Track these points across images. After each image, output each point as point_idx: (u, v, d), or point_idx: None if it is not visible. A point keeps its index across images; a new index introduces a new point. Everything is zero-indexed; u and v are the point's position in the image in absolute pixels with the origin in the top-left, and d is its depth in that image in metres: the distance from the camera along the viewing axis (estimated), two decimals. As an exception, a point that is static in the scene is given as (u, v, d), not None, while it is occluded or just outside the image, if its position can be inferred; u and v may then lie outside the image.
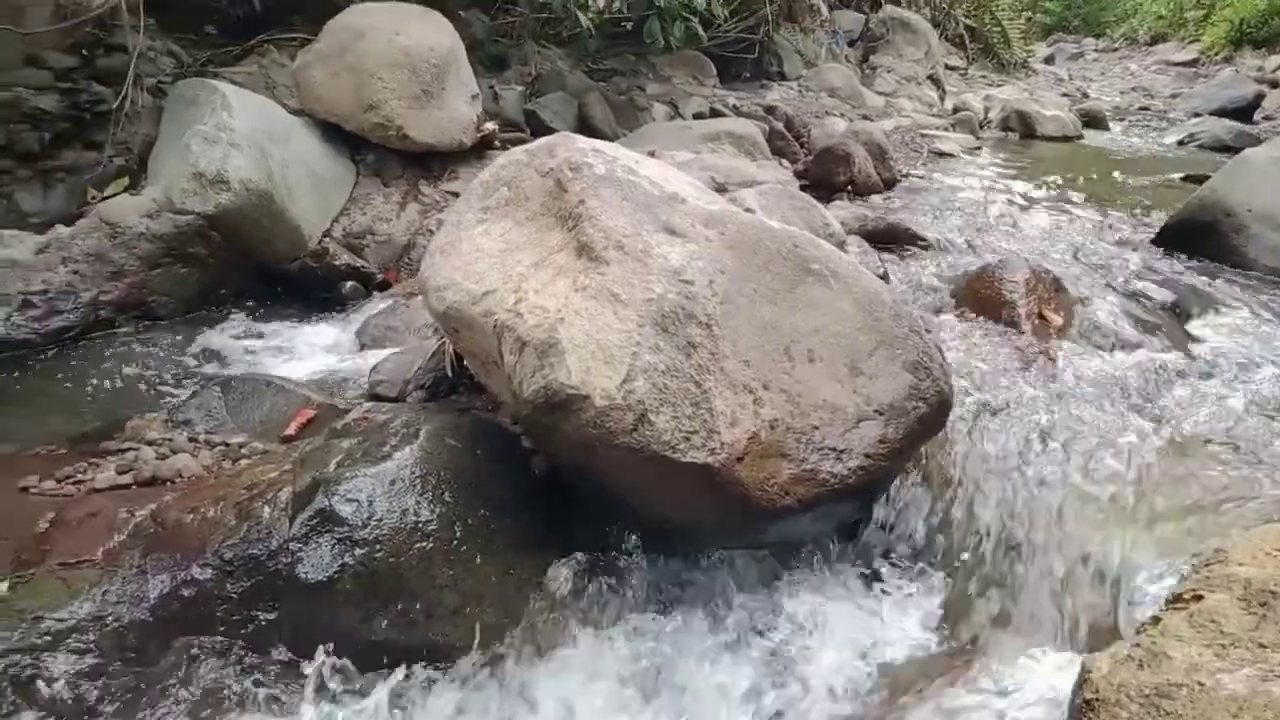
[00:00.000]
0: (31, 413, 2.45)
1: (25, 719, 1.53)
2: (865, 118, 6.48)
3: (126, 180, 3.80)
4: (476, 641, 1.81)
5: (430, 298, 2.15)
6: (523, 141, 4.46)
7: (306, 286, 3.42)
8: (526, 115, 4.96)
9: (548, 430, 1.85)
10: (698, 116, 5.63)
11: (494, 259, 2.11)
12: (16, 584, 1.72)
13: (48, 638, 1.65)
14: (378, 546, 1.78)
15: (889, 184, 4.91)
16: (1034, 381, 2.62)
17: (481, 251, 2.15)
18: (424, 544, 1.83)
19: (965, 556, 2.09)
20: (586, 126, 4.94)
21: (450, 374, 2.57)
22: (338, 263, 3.48)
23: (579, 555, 1.99)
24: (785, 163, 4.98)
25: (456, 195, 4.02)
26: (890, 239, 3.73)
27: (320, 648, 1.72)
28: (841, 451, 1.88)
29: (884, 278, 3.16)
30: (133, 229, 3.02)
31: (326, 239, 3.57)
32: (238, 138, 3.22)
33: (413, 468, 1.91)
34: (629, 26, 5.74)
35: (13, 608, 1.68)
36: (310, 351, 2.99)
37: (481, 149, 4.21)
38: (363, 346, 3.00)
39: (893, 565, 2.13)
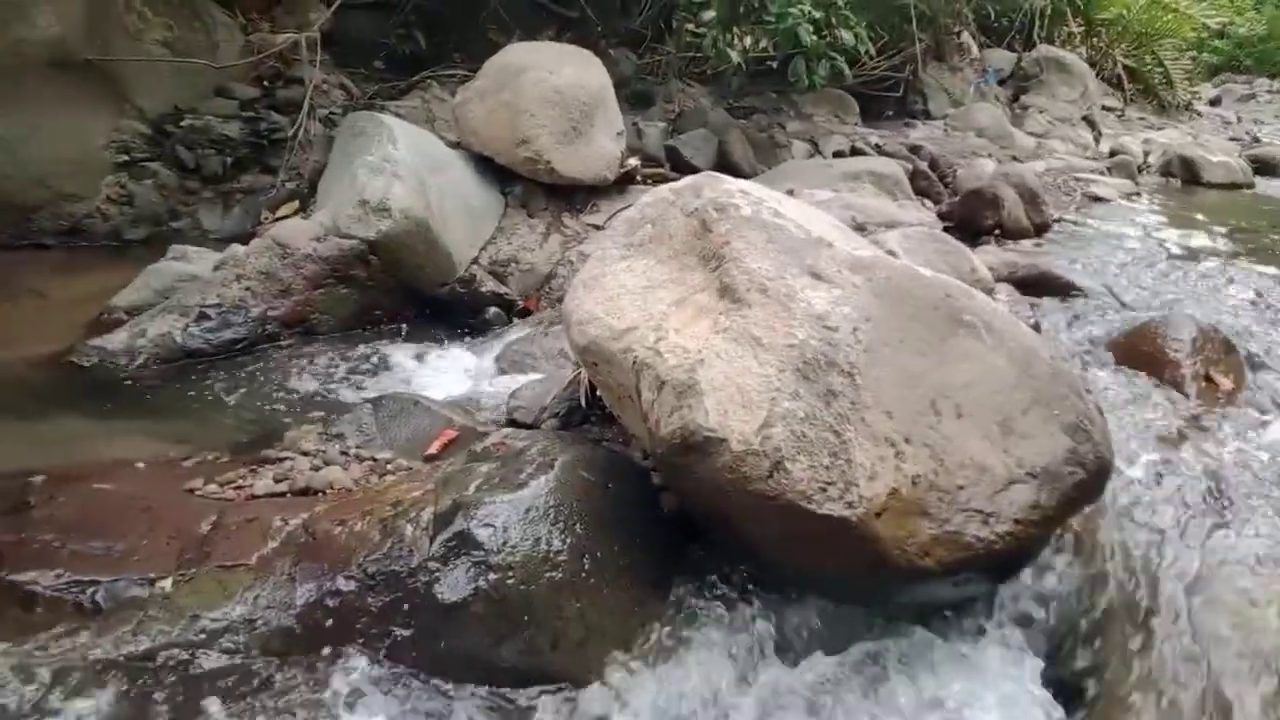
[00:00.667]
0: (201, 418, 2.64)
1: (178, 712, 1.63)
2: (1014, 159, 6.24)
3: (297, 203, 4.10)
4: (599, 676, 1.82)
5: (572, 331, 2.20)
6: (664, 177, 4.54)
7: (453, 311, 3.57)
8: (667, 151, 5.03)
9: (681, 470, 1.85)
10: (838, 155, 5.57)
11: (636, 296, 2.14)
12: (179, 582, 1.85)
13: (203, 635, 1.76)
14: (510, 573, 1.82)
15: (1040, 229, 4.69)
16: (1200, 450, 2.43)
17: (624, 288, 2.18)
18: (554, 574, 1.85)
19: (1117, 641, 1.94)
20: (726, 163, 4.97)
21: (584, 404, 2.62)
22: (483, 289, 3.62)
23: (705, 597, 1.98)
24: (928, 203, 4.85)
25: (597, 227, 4.13)
26: (1041, 287, 3.56)
27: (451, 668, 1.76)
28: (989, 515, 1.79)
29: (1035, 328, 3.02)
30: (301, 250, 3.23)
31: (474, 266, 3.72)
32: (400, 168, 3.41)
33: (547, 497, 1.94)
34: (773, 65, 5.75)
35: (174, 604, 1.80)
36: (453, 373, 3.10)
37: (623, 183, 4.30)
38: (502, 371, 3.09)
39: (1032, 643, 2.00)
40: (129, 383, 2.77)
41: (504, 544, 1.85)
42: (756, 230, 2.05)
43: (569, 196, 4.13)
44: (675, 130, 5.24)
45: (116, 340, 2.87)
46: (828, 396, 1.76)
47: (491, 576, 1.81)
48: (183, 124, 4.02)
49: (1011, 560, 1.86)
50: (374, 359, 3.15)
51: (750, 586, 2.00)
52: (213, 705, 1.65)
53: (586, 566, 1.89)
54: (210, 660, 1.72)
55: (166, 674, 1.68)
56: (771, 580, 1.98)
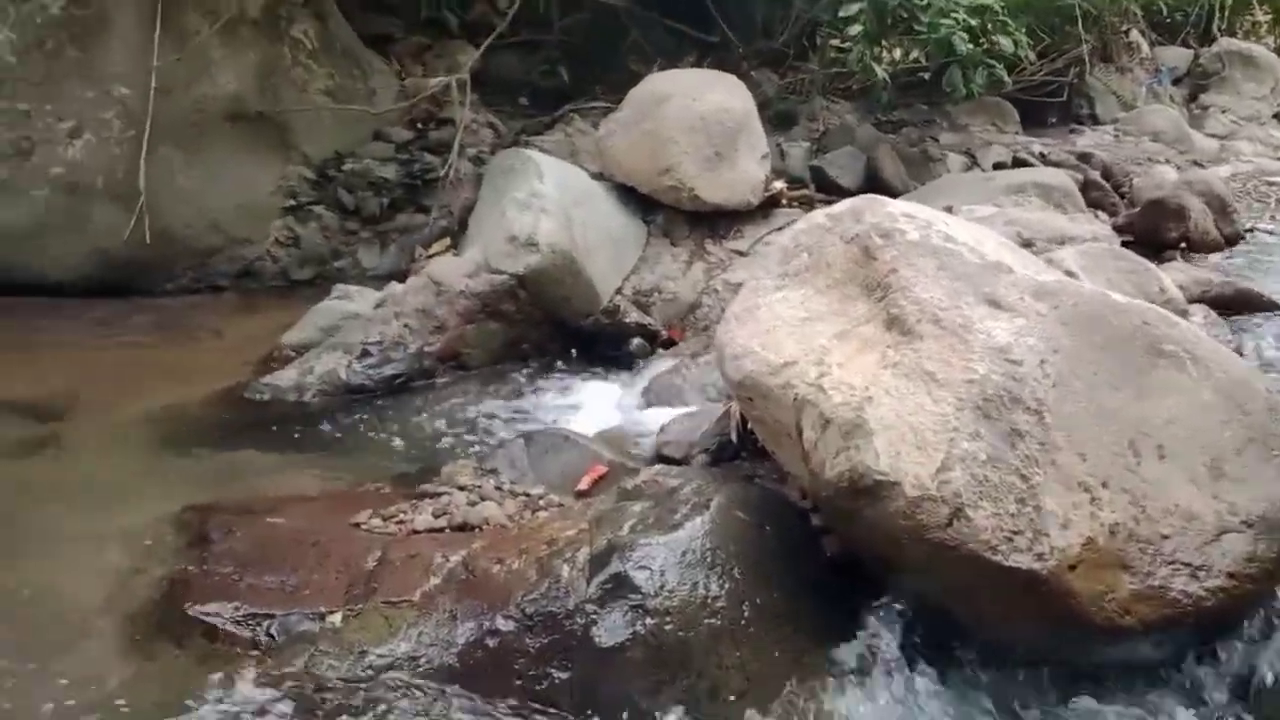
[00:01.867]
0: (363, 453, 2.73)
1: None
2: (1196, 164, 5.73)
3: (448, 240, 4.23)
4: (760, 728, 1.72)
5: (726, 365, 2.13)
6: (810, 199, 4.43)
7: (597, 342, 3.56)
8: (812, 171, 4.90)
9: (848, 515, 1.74)
10: (998, 166, 5.27)
11: (793, 328, 2.05)
12: (348, 617, 1.89)
13: (370, 671, 1.79)
14: (668, 618, 1.76)
15: (1231, 240, 4.26)
16: None
17: (780, 320, 2.09)
18: (713, 621, 1.78)
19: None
20: (875, 180, 4.79)
21: (735, 439, 2.54)
22: (628, 320, 3.60)
23: (873, 650, 1.84)
24: (1102, 216, 4.50)
25: (741, 253, 4.05)
26: (1239, 306, 3.21)
27: (609, 714, 1.71)
28: (1198, 568, 1.60)
29: (1236, 354, 2.71)
30: (455, 287, 3.31)
31: (618, 296, 3.71)
32: (547, 203, 3.45)
33: (703, 540, 1.88)
34: (926, 76, 5.53)
35: (344, 639, 1.84)
36: (600, 406, 3.09)
37: (768, 207, 4.20)
38: (648, 404, 3.05)
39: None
40: (298, 418, 2.90)
41: (661, 587, 1.79)
42: (926, 256, 1.92)
43: (712, 223, 4.07)
44: (820, 149, 5.11)
45: (286, 377, 3.02)
46: (1012, 437, 1.61)
47: (649, 621, 1.75)
48: (344, 168, 4.23)
49: (1224, 618, 1.66)
50: (522, 392, 3.19)
51: (922, 640, 1.85)
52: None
53: (746, 614, 1.80)
54: (377, 697, 1.74)
55: (337, 710, 1.71)
56: (946, 634, 1.83)
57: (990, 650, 1.79)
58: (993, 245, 2.11)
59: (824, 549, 2.02)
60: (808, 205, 4.33)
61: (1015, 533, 1.54)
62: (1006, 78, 5.13)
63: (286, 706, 1.70)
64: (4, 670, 1.78)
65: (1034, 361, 1.68)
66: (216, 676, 1.77)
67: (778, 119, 5.24)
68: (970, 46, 4.72)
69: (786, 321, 2.07)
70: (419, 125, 4.53)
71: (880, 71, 5.03)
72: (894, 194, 4.29)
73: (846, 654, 1.85)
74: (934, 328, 1.77)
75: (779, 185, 4.31)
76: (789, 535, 1.99)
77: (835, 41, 5.63)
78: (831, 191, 4.68)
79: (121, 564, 2.10)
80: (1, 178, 3.64)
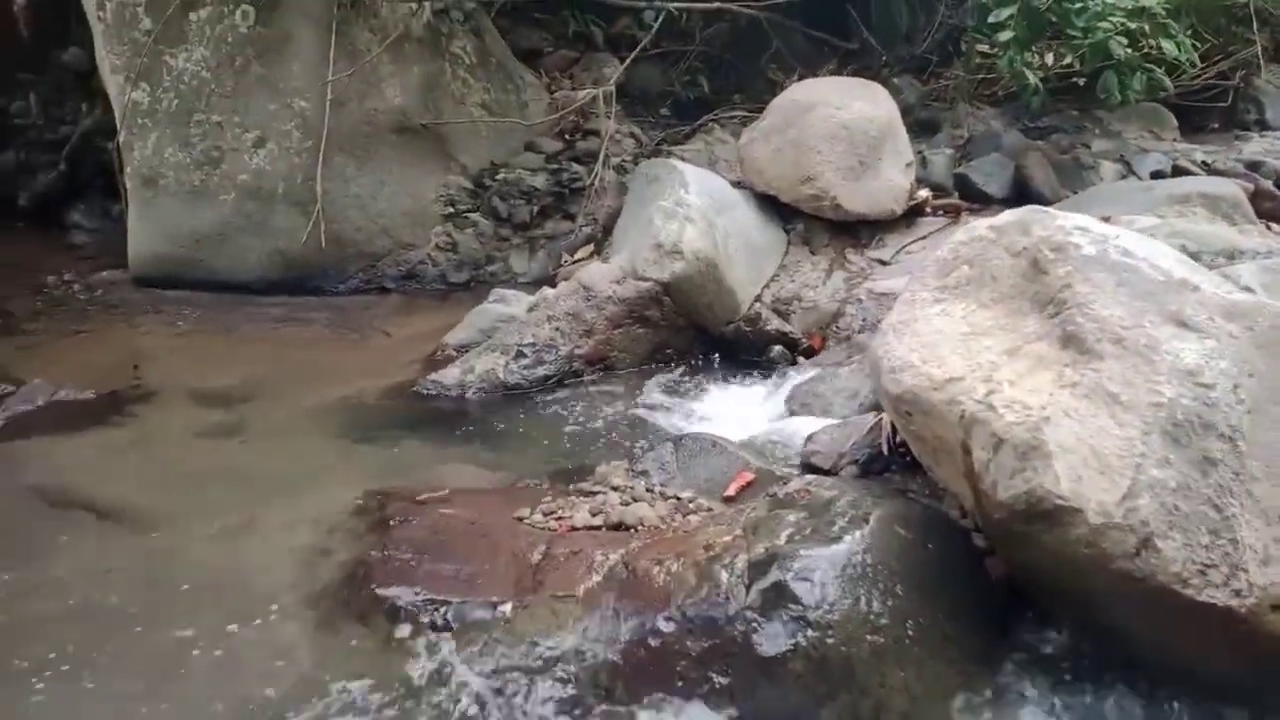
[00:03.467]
0: (521, 449, 2.86)
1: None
2: (1384, 172, 5.26)
3: (593, 247, 4.36)
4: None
5: (884, 378, 2.12)
6: (955, 207, 4.33)
7: (737, 349, 3.60)
8: (957, 179, 4.78)
9: (1021, 539, 1.71)
10: (1156, 175, 5.00)
11: (956, 343, 2.02)
12: (518, 609, 1.99)
13: (539, 663, 1.88)
14: (830, 632, 1.77)
15: None
16: None
17: (941, 334, 2.07)
18: (876, 638, 1.78)
19: None
20: (1024, 188, 4.63)
21: (886, 452, 2.52)
22: (768, 328, 3.62)
23: (1039, 679, 1.81)
24: (1275, 228, 4.20)
25: (884, 263, 4.00)
26: None
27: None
28: None
29: None
30: (603, 292, 3.42)
31: (758, 304, 3.74)
32: (692, 212, 3.52)
33: (864, 554, 1.88)
34: (1078, 81, 5.31)
35: (514, 630, 1.94)
36: (743, 413, 3.12)
37: (912, 216, 4.14)
38: (791, 413, 3.06)
39: None
40: (460, 413, 3.06)
41: (822, 600, 1.80)
42: (1103, 272, 1.87)
43: (854, 232, 4.04)
44: (965, 157, 4.98)
45: (450, 375, 3.19)
46: (1204, 465, 1.55)
47: (811, 634, 1.77)
48: (498, 177, 4.43)
49: None
50: (667, 396, 3.25)
51: (1095, 672, 1.80)
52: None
53: (910, 634, 1.80)
54: (544, 689, 1.83)
55: (512, 696, 1.81)
56: (1123, 669, 1.77)
57: (1169, 682, 1.73)
58: (1174, 261, 2.02)
59: (988, 570, 1.99)
60: (953, 214, 4.24)
61: (1208, 566, 1.48)
62: (1168, 83, 4.87)
63: (465, 691, 1.81)
64: (209, 642, 1.96)
65: (1227, 386, 1.62)
66: (399, 658, 1.90)
67: (920, 126, 5.14)
68: (1128, 51, 4.51)
69: (948, 336, 2.05)
70: (567, 136, 4.68)
71: (1032, 77, 4.86)
72: (1044, 203, 4.14)
73: (1012, 679, 1.82)
74: (1115, 347, 1.72)
75: (924, 193, 4.24)
76: (951, 554, 1.97)
77: (981, 46, 5.47)
78: (977, 200, 4.56)
79: (309, 545, 2.27)
80: (195, 184, 4.00)
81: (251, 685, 1.84)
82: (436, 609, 2.01)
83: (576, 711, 1.80)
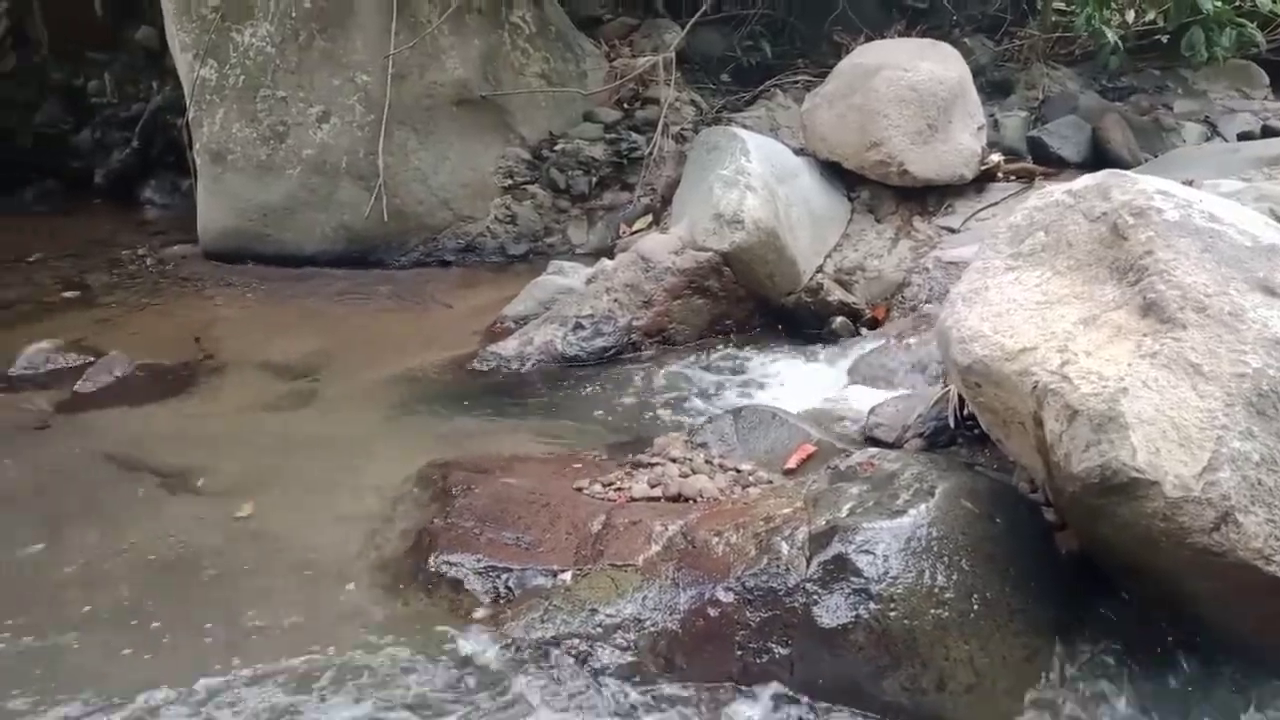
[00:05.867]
0: (579, 420, 2.86)
1: (583, 698, 1.76)
2: None
3: (651, 217, 4.32)
4: (984, 723, 1.68)
5: (952, 348, 2.06)
6: (1029, 172, 4.17)
7: (798, 321, 3.55)
8: (1030, 142, 4.61)
9: (1094, 512, 1.65)
10: (1244, 137, 4.75)
11: (1030, 312, 1.95)
12: (578, 576, 2.00)
13: (599, 629, 1.89)
14: (893, 605, 1.74)
15: None
16: None
17: (1014, 302, 2.00)
18: (939, 611, 1.74)
19: None
20: (1101, 152, 4.44)
21: (953, 424, 2.46)
22: (830, 299, 3.55)
23: (1109, 656, 1.76)
24: (1376, 191, 3.95)
25: (953, 231, 3.89)
26: None
27: (829, 693, 1.72)
28: None
29: None
30: (661, 264, 3.39)
31: (819, 274, 3.67)
32: (753, 180, 3.45)
33: (929, 528, 1.84)
34: (1164, 39, 5.05)
35: (575, 596, 1.95)
36: (803, 385, 3.08)
37: (983, 181, 4.01)
38: (854, 384, 3.01)
39: None
40: (519, 385, 3.08)
41: (885, 573, 1.77)
42: (1187, 237, 1.78)
43: (921, 198, 3.93)
44: (1038, 119, 4.80)
45: (509, 347, 3.21)
46: (1295, 438, 1.47)
47: (873, 606, 1.74)
48: (556, 148, 4.42)
49: None
50: (727, 368, 3.22)
51: (1167, 648, 1.74)
52: (613, 696, 1.75)
53: (975, 607, 1.75)
54: (607, 653, 1.84)
55: (570, 661, 1.82)
56: (1197, 645, 1.71)
57: (1244, 658, 1.66)
58: (1262, 225, 1.91)
59: (1057, 545, 1.93)
60: (1027, 179, 4.09)
61: (1295, 543, 1.41)
62: (1260, 37, 4.60)
63: (527, 655, 1.84)
64: (279, 603, 2.02)
65: (1322, 357, 1.53)
66: (463, 623, 1.93)
67: (992, 88, 4.97)
68: (1218, 4, 4.26)
69: (1022, 304, 1.98)
70: (626, 105, 4.64)
71: (1111, 35, 4.64)
72: (1123, 167, 3.95)
73: (1081, 654, 1.77)
74: (1198, 316, 1.64)
75: (995, 158, 4.10)
76: (1019, 528, 1.91)
77: (1057, 4, 5.24)
78: (1051, 164, 4.40)
79: (375, 512, 2.32)
80: (262, 158, 4.08)
81: (320, 646, 1.89)
82: (498, 576, 2.04)
83: (635, 679, 1.81)
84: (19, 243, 4.42)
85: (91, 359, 3.11)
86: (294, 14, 4.05)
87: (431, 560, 2.10)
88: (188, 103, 4.17)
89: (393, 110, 4.02)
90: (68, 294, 3.85)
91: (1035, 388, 1.78)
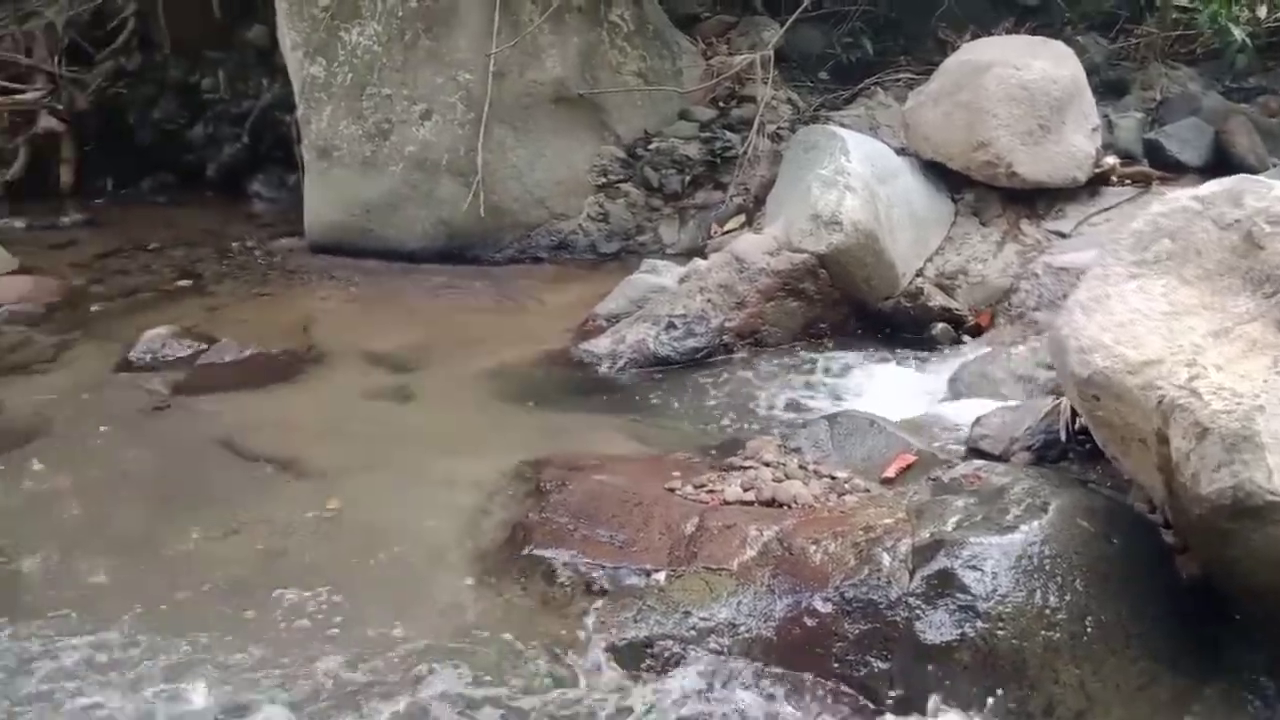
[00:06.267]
0: (671, 421, 2.85)
1: (676, 701, 1.74)
2: None
3: (743, 217, 4.28)
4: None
5: (1070, 359, 1.97)
6: (1146, 177, 3.98)
7: (896, 326, 3.46)
8: (1146, 145, 4.39)
9: (1222, 537, 1.56)
10: (1386, 140, 4.42)
11: (1155, 323, 1.86)
12: (672, 577, 1.99)
13: (692, 632, 1.87)
14: (1000, 624, 1.68)
15: None
16: None
17: (1137, 313, 1.91)
18: (1050, 633, 1.68)
19: None
20: (1224, 156, 4.20)
21: (1063, 439, 2.36)
22: (931, 304, 3.46)
23: (1235, 690, 1.66)
24: None
25: (1062, 235, 3.73)
26: None
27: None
28: None
29: None
30: (756, 265, 3.35)
31: (919, 279, 3.57)
32: (853, 180, 3.38)
33: (1041, 545, 1.77)
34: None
35: (669, 597, 1.94)
36: (902, 392, 3.00)
37: (1096, 185, 3.84)
38: (956, 394, 2.91)
39: None
40: (611, 383, 3.09)
41: (993, 591, 1.71)
42: (1335, 247, 1.66)
43: (1029, 201, 3.79)
44: (1156, 121, 4.57)
45: (601, 345, 3.23)
46: None
47: (979, 625, 1.68)
48: (650, 147, 4.42)
49: None
50: (820, 373, 3.16)
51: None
52: (703, 699, 1.74)
53: (1089, 631, 1.68)
54: (697, 657, 1.83)
55: (663, 662, 1.81)
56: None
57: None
58: None
59: (1178, 569, 1.83)
60: (1143, 183, 3.90)
61: None
62: None
63: (621, 653, 1.83)
64: (379, 589, 2.07)
65: None
66: (556, 617, 1.94)
67: (1106, 88, 4.74)
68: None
69: (1146, 315, 1.89)
70: (721, 104, 4.61)
71: (1238, 32, 4.39)
72: (1250, 172, 3.72)
73: (1203, 685, 1.68)
74: (1349, 332, 1.53)
75: (1110, 161, 3.92)
76: (1137, 550, 1.83)
77: (1178, 0, 4.98)
78: (1169, 169, 4.18)
79: (470, 505, 2.35)
80: (367, 155, 4.19)
81: (419, 633, 1.93)
82: (591, 572, 2.04)
83: (728, 684, 1.79)
84: (138, 232, 4.65)
85: (204, 345, 3.25)
86: (400, 13, 4.15)
87: (527, 554, 2.12)
88: (297, 100, 4.32)
89: (492, 108, 4.08)
90: (182, 282, 4.03)
91: (1160, 403, 1.69)
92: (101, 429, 2.71)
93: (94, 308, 3.74)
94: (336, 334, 3.50)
